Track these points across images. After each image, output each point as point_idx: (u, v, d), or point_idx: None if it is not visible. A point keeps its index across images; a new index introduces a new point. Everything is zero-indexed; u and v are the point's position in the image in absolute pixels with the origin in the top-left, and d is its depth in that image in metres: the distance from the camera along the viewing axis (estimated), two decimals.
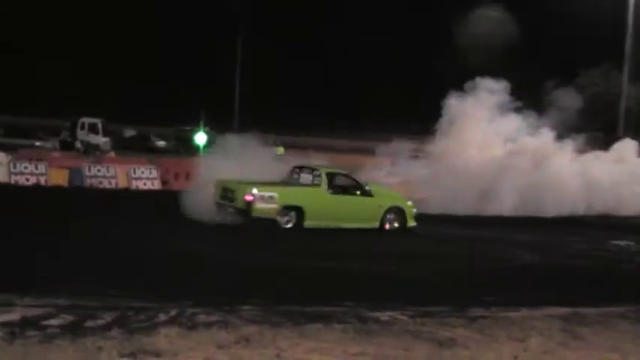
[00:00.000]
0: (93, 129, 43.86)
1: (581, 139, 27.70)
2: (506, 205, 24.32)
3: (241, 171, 18.10)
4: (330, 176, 18.28)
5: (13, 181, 23.40)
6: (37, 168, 23.92)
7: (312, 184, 18.08)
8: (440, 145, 26.76)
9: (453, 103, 26.65)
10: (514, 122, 26.43)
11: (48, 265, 11.55)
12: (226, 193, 17.77)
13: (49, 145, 41.72)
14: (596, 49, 56.28)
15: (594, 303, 11.01)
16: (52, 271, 11.12)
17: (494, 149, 26.35)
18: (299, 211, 17.52)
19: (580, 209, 25.74)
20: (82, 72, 73.46)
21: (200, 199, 18.07)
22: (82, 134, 43.39)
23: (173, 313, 8.80)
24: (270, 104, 72.02)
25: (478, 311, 10.00)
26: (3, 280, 9.92)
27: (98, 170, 24.76)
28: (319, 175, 18.10)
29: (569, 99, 28.37)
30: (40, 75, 73.46)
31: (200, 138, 37.45)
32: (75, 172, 24.49)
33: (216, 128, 39.47)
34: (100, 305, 8.95)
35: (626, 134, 35.79)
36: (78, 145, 41.83)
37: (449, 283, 12.63)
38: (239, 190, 17.34)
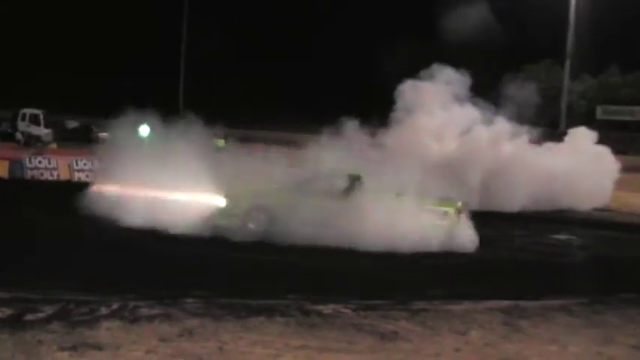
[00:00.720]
0: (34, 120, 43.06)
1: (535, 132, 26.83)
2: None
3: None
4: None
5: None
6: None
7: None
8: (394, 134, 25.42)
9: (408, 89, 25.92)
10: (470, 112, 25.59)
11: None
12: None
13: None
14: (538, 47, 57.27)
15: (535, 296, 11.15)
16: None
17: (448, 140, 25.63)
18: None
19: (531, 203, 24.83)
20: (27, 63, 71.94)
21: None
22: (22, 125, 42.49)
23: (115, 306, 8.72)
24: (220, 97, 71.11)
25: (420, 304, 10.07)
26: None
27: (39, 162, 24.40)
28: None
29: (525, 93, 27.53)
30: None
31: (144, 130, 36.99)
32: (15, 164, 24.11)
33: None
34: (40, 298, 8.82)
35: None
36: (19, 136, 40.86)
37: (393, 276, 12.67)
38: None
